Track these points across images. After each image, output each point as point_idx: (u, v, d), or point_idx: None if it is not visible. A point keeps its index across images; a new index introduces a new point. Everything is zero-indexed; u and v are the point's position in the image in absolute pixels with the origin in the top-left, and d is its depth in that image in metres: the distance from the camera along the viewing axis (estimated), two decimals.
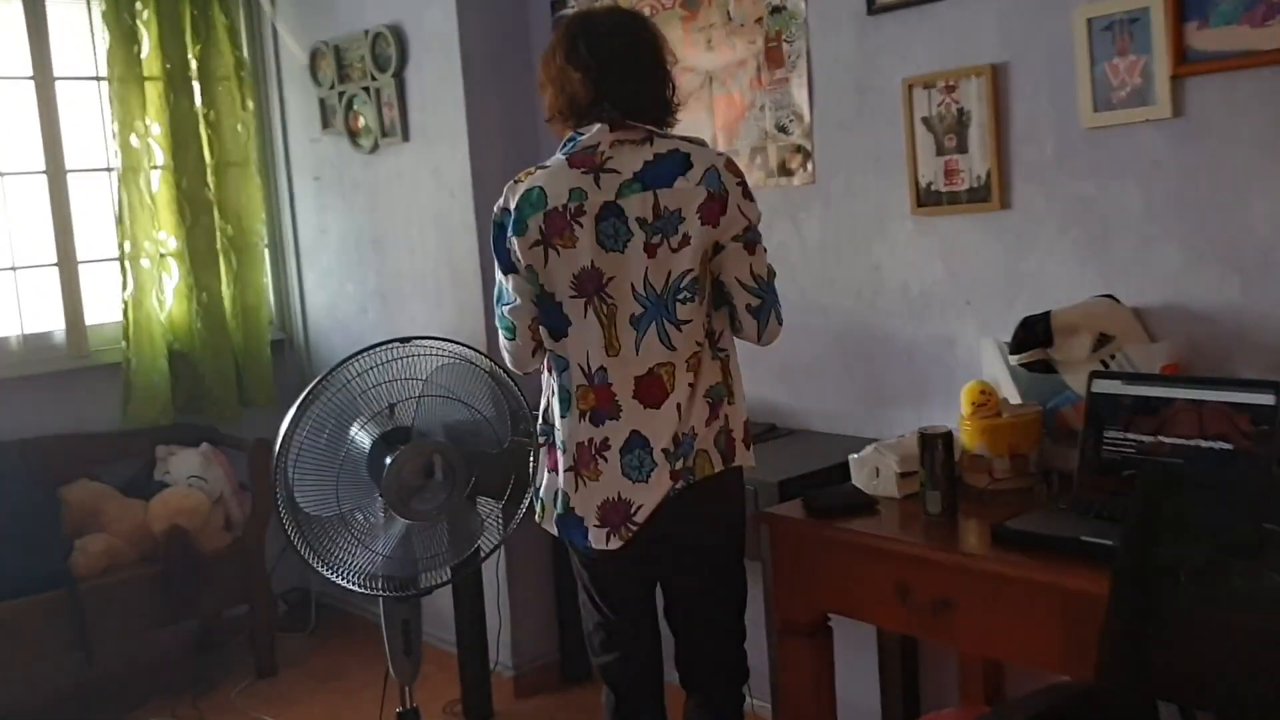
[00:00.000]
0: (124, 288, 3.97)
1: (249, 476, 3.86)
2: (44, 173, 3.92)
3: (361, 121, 3.90)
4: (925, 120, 2.63)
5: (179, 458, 3.99)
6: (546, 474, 2.26)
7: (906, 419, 2.71)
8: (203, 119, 4.10)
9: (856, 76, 2.78)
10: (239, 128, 4.18)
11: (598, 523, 2.16)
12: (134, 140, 3.94)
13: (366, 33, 3.75)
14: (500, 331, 2.26)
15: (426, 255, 3.76)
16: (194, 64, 4.07)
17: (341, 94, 3.93)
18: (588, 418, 2.15)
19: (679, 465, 2.14)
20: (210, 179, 4.13)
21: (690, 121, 3.16)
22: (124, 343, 3.98)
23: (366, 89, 3.82)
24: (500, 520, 2.37)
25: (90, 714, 3.62)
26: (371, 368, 2.16)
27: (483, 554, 2.30)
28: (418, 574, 2.24)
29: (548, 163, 2.20)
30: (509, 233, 2.16)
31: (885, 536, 2.13)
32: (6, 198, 3.90)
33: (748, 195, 2.18)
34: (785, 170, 2.96)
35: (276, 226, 4.42)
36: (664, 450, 2.13)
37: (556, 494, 2.21)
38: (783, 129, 2.96)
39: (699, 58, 3.12)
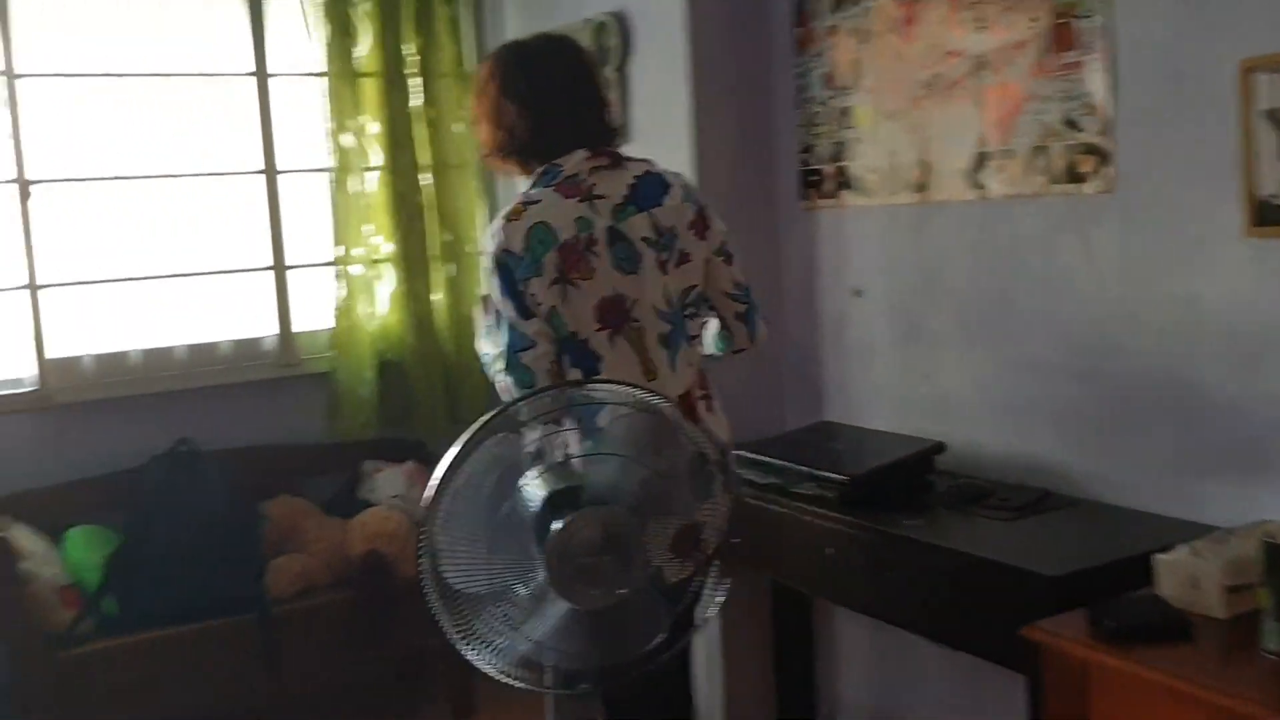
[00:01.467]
0: (335, 294, 3.78)
1: None
2: (261, 173, 3.78)
3: None
4: (1269, 114, 2.02)
5: (384, 475, 3.77)
6: None
7: (1229, 501, 2.10)
8: (422, 117, 3.86)
9: (1173, 59, 2.19)
10: (457, 128, 3.92)
11: (670, 556, 1.92)
12: (349, 139, 3.74)
13: (588, 21, 3.40)
14: (514, 384, 2.11)
15: None
16: (414, 59, 3.83)
17: None
18: None
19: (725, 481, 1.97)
20: (426, 181, 3.88)
21: (955, 116, 2.64)
22: (332, 351, 3.79)
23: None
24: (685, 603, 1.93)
25: None
26: (545, 413, 1.77)
27: (668, 649, 1.87)
28: (595, 665, 1.83)
29: (534, 195, 2.13)
30: (518, 276, 2.08)
31: (1203, 679, 1.56)
32: (223, 198, 3.77)
33: (713, 209, 2.27)
34: (1073, 175, 2.40)
35: None
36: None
37: None
38: (1072, 124, 2.39)
39: (966, 39, 2.59)
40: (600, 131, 2.21)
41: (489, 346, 2.24)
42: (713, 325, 2.34)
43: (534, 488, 1.79)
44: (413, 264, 3.86)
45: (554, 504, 1.75)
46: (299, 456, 3.80)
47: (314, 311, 3.89)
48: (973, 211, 2.65)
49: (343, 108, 3.72)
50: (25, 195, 3.46)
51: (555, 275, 2.08)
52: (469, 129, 3.91)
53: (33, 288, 3.48)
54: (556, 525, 1.71)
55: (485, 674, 1.76)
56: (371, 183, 3.81)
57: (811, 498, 2.53)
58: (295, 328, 3.86)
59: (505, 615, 1.74)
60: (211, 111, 3.75)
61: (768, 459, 2.66)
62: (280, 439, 3.78)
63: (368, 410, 3.82)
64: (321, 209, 3.81)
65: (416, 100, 3.85)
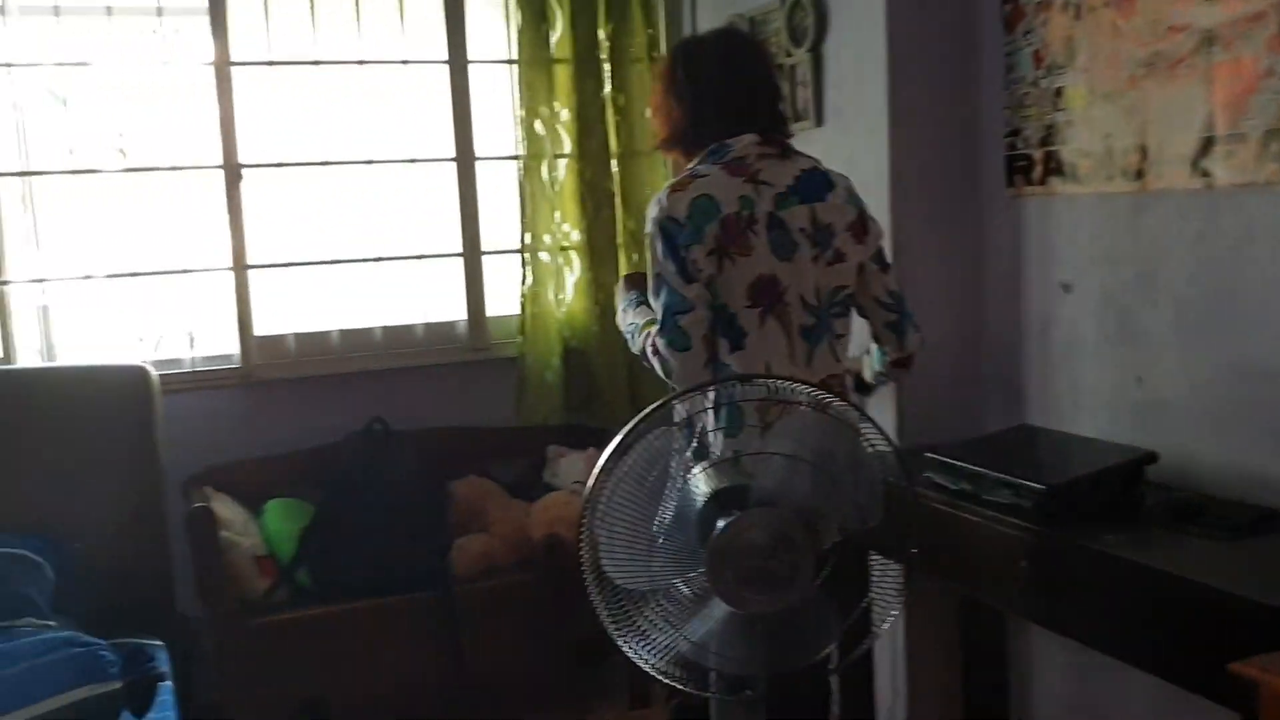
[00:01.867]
0: (523, 280, 3.80)
1: None
2: (454, 160, 3.83)
3: None
4: None
5: (567, 460, 3.78)
6: None
7: None
8: (610, 104, 3.83)
9: None
10: (647, 113, 3.87)
11: None
12: (539, 126, 3.75)
13: (784, 1, 3.28)
14: (666, 346, 2.13)
15: None
16: (605, 45, 3.81)
17: None
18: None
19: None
20: (614, 169, 3.85)
21: (1178, 97, 2.42)
22: (520, 337, 3.81)
23: (781, 66, 3.35)
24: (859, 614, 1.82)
25: None
26: (713, 407, 1.69)
27: (833, 662, 1.76)
28: (756, 672, 1.75)
29: (702, 170, 2.17)
30: (680, 242, 2.10)
31: None
32: (418, 184, 3.84)
33: (872, 216, 2.29)
34: None
35: None
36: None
37: None
38: None
39: (1192, 12, 2.37)
40: (771, 121, 2.24)
41: (634, 317, 2.28)
42: (873, 349, 2.39)
43: (699, 484, 1.72)
44: (599, 251, 3.84)
45: (719, 502, 1.68)
46: (486, 439, 3.85)
47: (504, 297, 3.93)
48: (1196, 201, 2.42)
49: (535, 94, 3.73)
50: (236, 179, 3.60)
51: (714, 246, 2.10)
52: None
53: (240, 268, 3.62)
54: (720, 525, 1.64)
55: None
56: (561, 170, 3.81)
57: (1006, 506, 2.36)
58: (487, 313, 3.90)
59: (665, 613, 1.68)
60: (409, 99, 3.82)
61: (960, 463, 2.50)
62: (469, 421, 3.83)
63: (553, 396, 3.83)
64: (511, 196, 3.83)
65: (607, 87, 3.82)
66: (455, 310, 3.91)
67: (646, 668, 1.71)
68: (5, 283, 3.47)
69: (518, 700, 3.57)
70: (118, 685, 1.99)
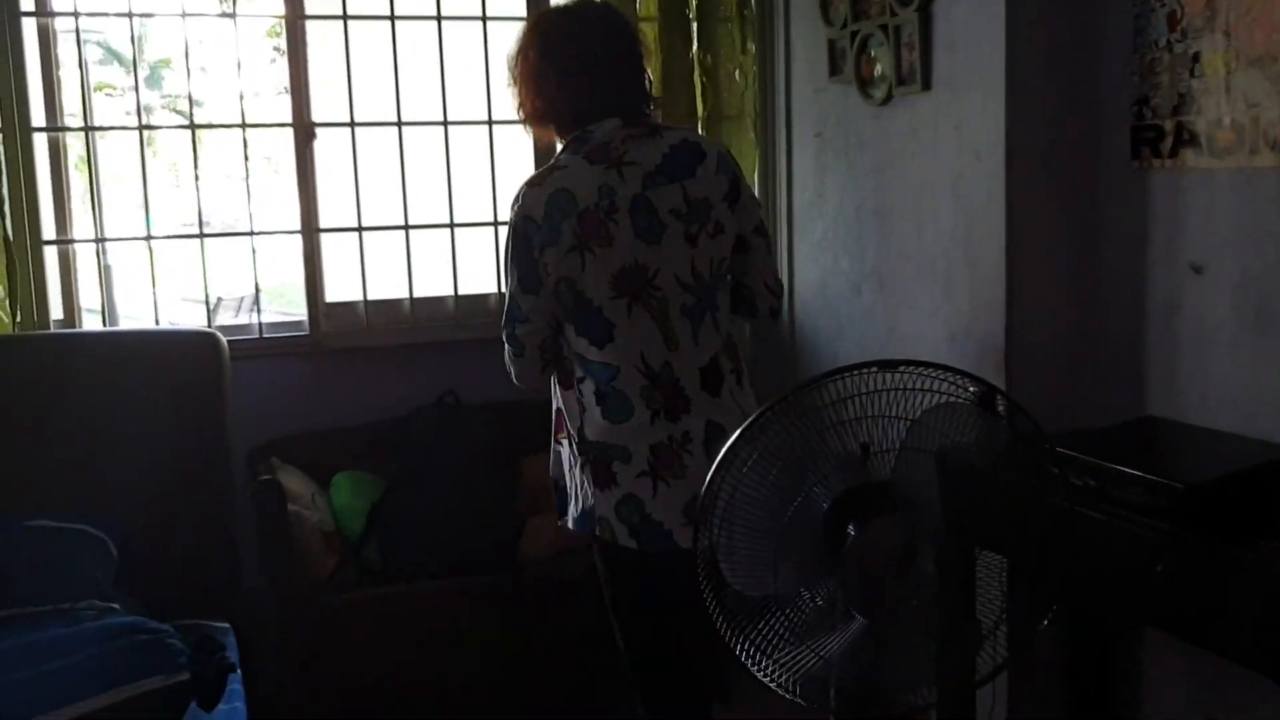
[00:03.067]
0: None
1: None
2: (523, 122, 3.64)
3: (876, 68, 3.24)
4: None
5: None
6: (595, 492, 2.18)
7: None
8: (698, 64, 3.65)
9: None
10: (736, 75, 3.69)
11: (683, 521, 2.11)
12: None
13: None
14: (507, 349, 2.26)
15: (938, 231, 3.05)
16: (693, 2, 3.62)
17: (855, 34, 3.30)
18: (662, 416, 2.13)
19: None
20: (701, 132, 3.67)
21: None
22: None
23: (884, 27, 3.15)
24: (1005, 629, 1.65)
25: (522, 708, 3.33)
26: (850, 397, 1.52)
27: (980, 674, 1.60)
28: (887, 690, 1.59)
29: (561, 162, 2.15)
30: (535, 244, 2.10)
31: None
32: (495, 147, 3.68)
33: (747, 183, 2.28)
34: None
35: (769, 189, 3.88)
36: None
37: (620, 509, 2.15)
38: None
39: None
40: (636, 100, 2.21)
41: None
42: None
43: (826, 481, 1.55)
44: None
45: (851, 503, 1.51)
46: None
47: None
48: None
49: None
50: (307, 138, 3.47)
51: (573, 243, 2.08)
52: (742, 77, 3.68)
53: (310, 232, 3.50)
54: (853, 530, 1.47)
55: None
56: None
57: (1137, 506, 2.17)
58: None
59: (790, 624, 1.52)
60: (483, 59, 3.66)
61: (1082, 456, 2.30)
62: (543, 396, 3.67)
63: None
64: None
65: (694, 46, 3.64)
66: None
67: (771, 684, 1.55)
68: (69, 241, 3.37)
69: (581, 691, 3.44)
70: (186, 677, 1.87)
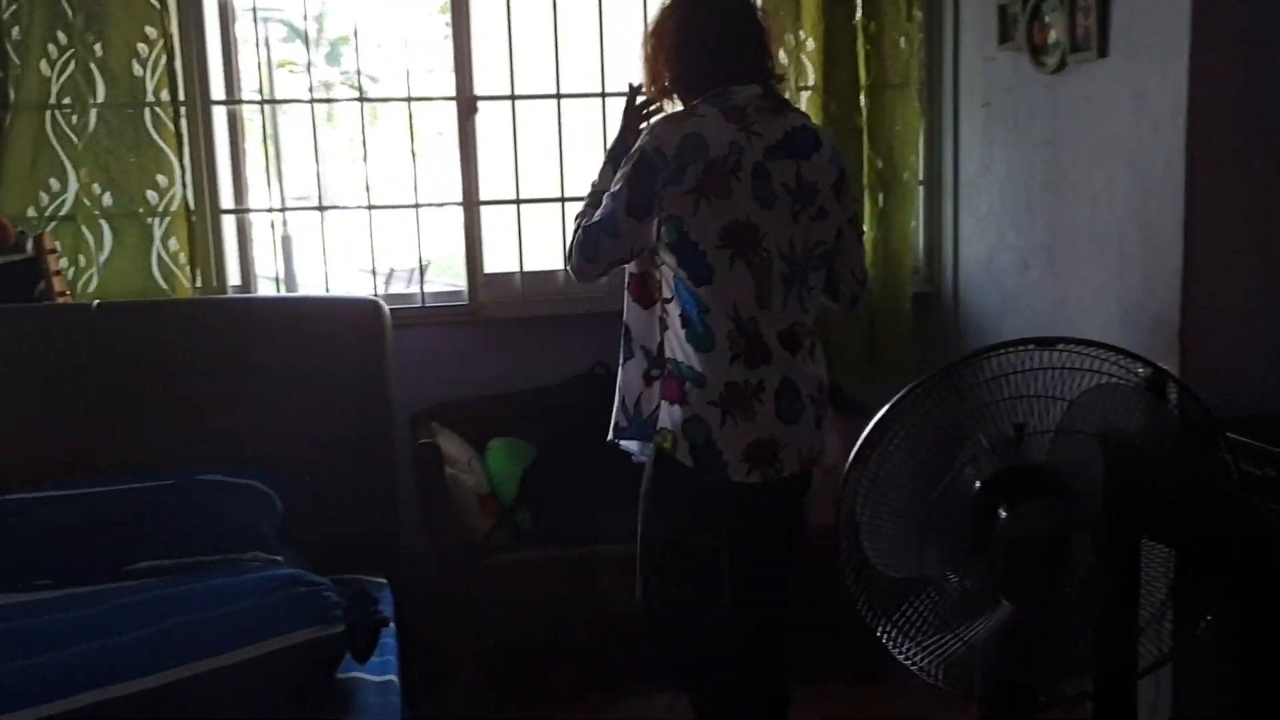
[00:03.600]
0: None
1: None
2: None
3: (1050, 34, 3.10)
4: None
5: None
6: (665, 406, 2.31)
7: None
8: (861, 31, 3.56)
9: None
10: (902, 42, 3.58)
11: (742, 458, 2.23)
12: (783, 56, 3.51)
13: None
14: (579, 246, 2.33)
15: (1112, 204, 2.91)
16: None
17: (1026, 0, 3.16)
18: (741, 360, 2.23)
19: (821, 418, 2.31)
20: (863, 102, 3.59)
21: None
22: None
23: None
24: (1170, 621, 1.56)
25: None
26: (1005, 375, 1.46)
27: (1142, 664, 1.52)
28: (1038, 678, 1.52)
29: (700, 111, 2.23)
30: (660, 177, 2.17)
31: None
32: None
33: (850, 179, 2.38)
34: None
35: (934, 160, 3.77)
36: (810, 396, 2.28)
37: (686, 427, 2.25)
38: None
39: None
40: (768, 74, 2.31)
41: (602, 179, 2.41)
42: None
43: (978, 461, 1.50)
44: None
45: (1003, 485, 1.45)
46: None
47: None
48: None
49: (780, 21, 3.49)
50: (470, 112, 3.53)
51: (693, 186, 2.16)
52: (908, 45, 3.58)
53: (471, 204, 3.56)
54: (1004, 513, 1.42)
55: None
56: (803, 103, 3.57)
57: None
58: None
59: (934, 608, 1.48)
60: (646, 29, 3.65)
61: (1262, 444, 2.17)
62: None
63: None
64: None
65: (858, 13, 3.55)
66: None
67: (911, 666, 1.51)
68: (246, 211, 3.52)
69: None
70: (341, 629, 1.94)
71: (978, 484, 1.46)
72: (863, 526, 1.47)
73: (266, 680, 1.87)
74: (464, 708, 3.08)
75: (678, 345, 2.27)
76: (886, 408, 1.49)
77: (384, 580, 2.61)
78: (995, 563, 1.40)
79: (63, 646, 1.83)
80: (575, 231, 2.37)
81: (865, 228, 3.63)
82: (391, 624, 2.07)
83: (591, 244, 2.30)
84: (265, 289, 3.59)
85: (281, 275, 3.61)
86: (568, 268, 2.43)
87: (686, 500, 2.36)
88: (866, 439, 1.46)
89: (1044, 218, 3.24)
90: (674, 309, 2.27)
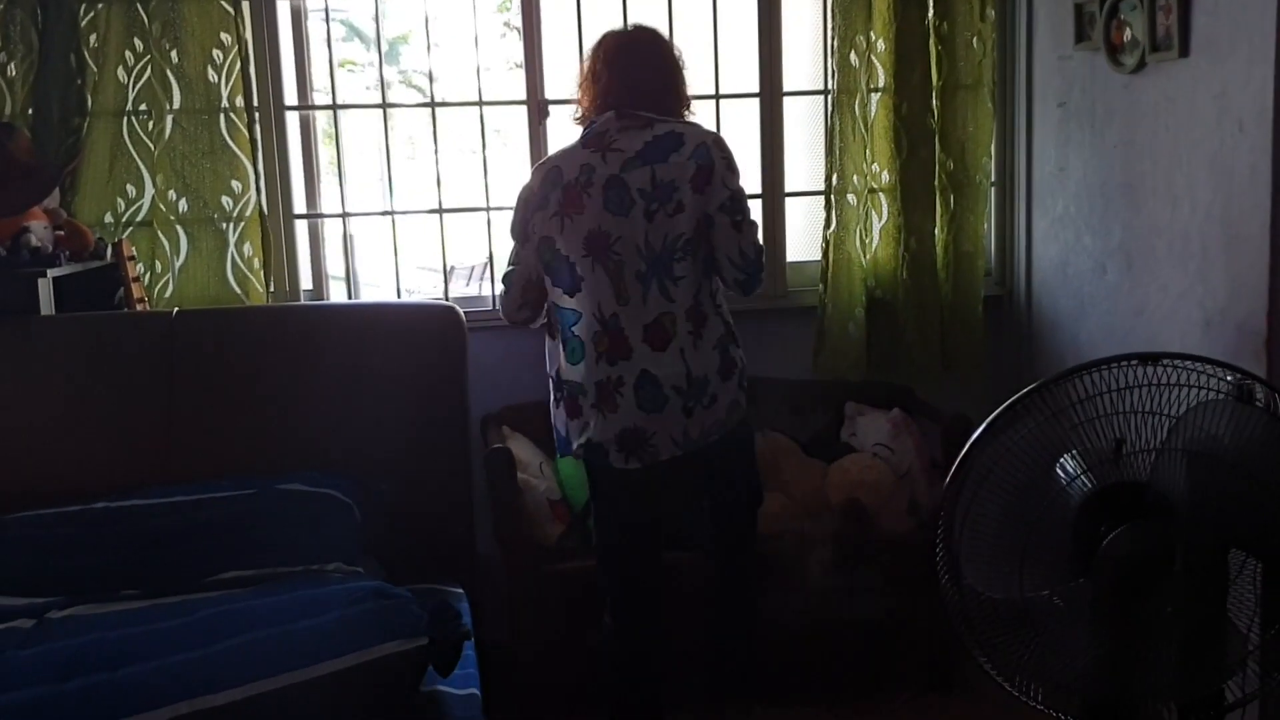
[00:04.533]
0: (827, 225, 3.56)
1: (941, 453, 3.28)
2: (757, 95, 3.62)
3: (1127, 33, 3.04)
4: None
5: (868, 419, 3.54)
6: (568, 421, 2.63)
7: None
8: (933, 32, 3.51)
9: None
10: (974, 42, 3.53)
11: (617, 448, 2.56)
12: (853, 58, 3.48)
13: None
14: (501, 286, 2.74)
15: (1194, 208, 2.85)
16: None
17: None
18: (604, 359, 2.55)
19: (694, 405, 2.56)
20: (934, 104, 3.54)
21: None
22: (820, 285, 3.59)
23: None
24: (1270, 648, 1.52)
25: (739, 682, 3.32)
26: (1104, 393, 1.43)
27: (1230, 698, 1.48)
28: (1132, 700, 1.49)
29: (565, 147, 2.64)
30: (531, 209, 2.60)
31: None
32: (724, 121, 3.66)
33: (731, 169, 2.59)
34: None
35: (1007, 162, 3.72)
36: (674, 388, 2.54)
37: (581, 432, 2.59)
38: None
39: None
40: (664, 97, 2.62)
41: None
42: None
43: (1077, 480, 1.47)
44: (911, 196, 3.55)
45: (1104, 503, 1.42)
46: (782, 391, 3.65)
47: (801, 242, 3.72)
48: None
49: (851, 23, 3.46)
50: (542, 115, 3.53)
51: (555, 209, 2.55)
52: (980, 45, 3.53)
53: None
54: (1109, 534, 1.39)
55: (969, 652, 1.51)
56: (873, 105, 3.53)
57: None
58: (788, 259, 3.71)
59: (1036, 631, 1.45)
60: (715, 32, 3.63)
61: None
62: (764, 372, 3.63)
63: (854, 351, 3.60)
64: (808, 134, 3.59)
65: (930, 13, 3.51)
66: None
67: (1016, 691, 1.48)
68: (319, 216, 3.54)
69: (802, 669, 3.40)
70: (424, 642, 1.94)
71: (1078, 502, 1.43)
72: (962, 551, 1.45)
73: (350, 694, 1.88)
74: (541, 714, 3.08)
75: (565, 366, 2.62)
76: (984, 426, 1.46)
77: (460, 590, 2.62)
78: (1098, 584, 1.37)
79: (149, 658, 1.85)
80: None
81: (937, 229, 3.59)
82: (473, 637, 2.06)
83: (505, 280, 2.69)
84: (334, 291, 3.61)
85: (348, 276, 3.63)
86: (503, 317, 2.77)
87: (606, 498, 2.72)
88: (964, 458, 1.44)
89: (1121, 221, 3.18)
90: (557, 333, 2.65)
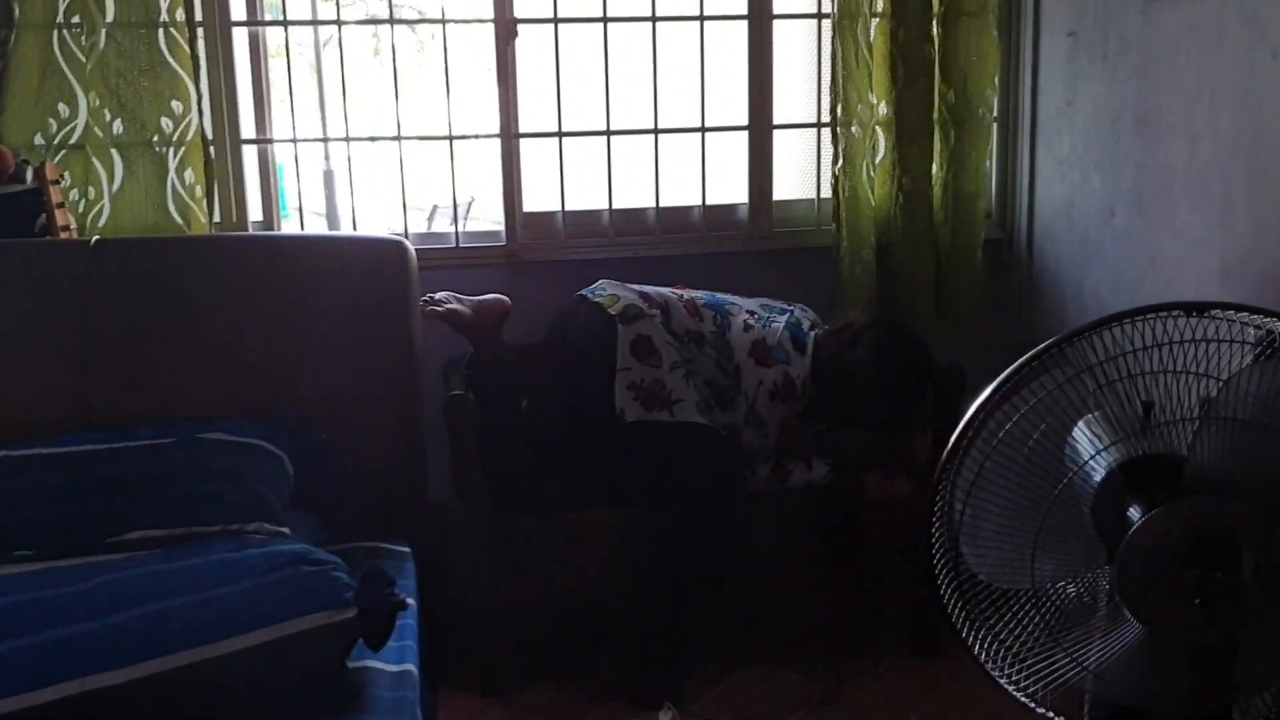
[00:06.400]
0: (835, 160, 3.30)
1: (933, 408, 3.06)
2: (745, 17, 3.35)
3: None
4: None
5: None
6: None
7: None
8: None
9: None
10: None
11: None
12: None
13: None
14: None
15: (1218, 143, 2.61)
16: None
17: None
18: None
19: None
20: (935, 31, 3.28)
21: None
22: (834, 225, 3.34)
23: None
24: None
25: (719, 641, 3.14)
26: (1131, 351, 1.20)
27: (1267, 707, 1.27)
28: (1151, 705, 1.28)
29: None
30: None
31: None
32: (706, 46, 3.39)
33: None
34: None
35: (1010, 96, 3.46)
36: None
37: None
38: None
39: None
40: None
41: None
42: None
43: (1099, 453, 1.24)
44: (907, 130, 3.30)
45: (1130, 480, 1.20)
46: None
47: (787, 179, 3.47)
48: None
49: None
50: (510, 35, 3.26)
51: None
52: None
53: (510, 137, 3.31)
54: (1135, 514, 1.17)
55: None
56: (871, 32, 3.27)
57: None
58: (775, 196, 3.47)
59: (1046, 625, 1.24)
60: None
61: None
62: None
63: (865, 294, 3.35)
64: (800, 62, 3.34)
65: None
66: (736, 193, 3.47)
67: (1017, 693, 1.27)
68: (268, 141, 3.28)
69: (784, 632, 3.21)
70: (352, 614, 1.72)
71: (1095, 476, 1.21)
72: (963, 525, 1.23)
73: (264, 672, 1.66)
74: (493, 675, 2.93)
75: None
76: (992, 387, 1.24)
77: (407, 549, 2.39)
78: (1124, 574, 1.16)
79: (37, 630, 1.63)
80: None
81: (935, 167, 3.35)
82: (412, 604, 1.84)
83: None
84: (309, 225, 3.35)
85: (324, 210, 3.37)
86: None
87: None
88: (969, 423, 1.21)
89: (1134, 160, 2.94)
90: None
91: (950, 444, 1.22)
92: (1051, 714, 1.24)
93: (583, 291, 2.97)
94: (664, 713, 2.70)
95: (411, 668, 1.88)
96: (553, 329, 3.03)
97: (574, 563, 2.93)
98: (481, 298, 3.01)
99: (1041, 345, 1.20)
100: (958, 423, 2.92)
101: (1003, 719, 2.70)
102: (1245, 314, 1.19)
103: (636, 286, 3.00)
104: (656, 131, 3.40)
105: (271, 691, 1.69)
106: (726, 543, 2.87)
